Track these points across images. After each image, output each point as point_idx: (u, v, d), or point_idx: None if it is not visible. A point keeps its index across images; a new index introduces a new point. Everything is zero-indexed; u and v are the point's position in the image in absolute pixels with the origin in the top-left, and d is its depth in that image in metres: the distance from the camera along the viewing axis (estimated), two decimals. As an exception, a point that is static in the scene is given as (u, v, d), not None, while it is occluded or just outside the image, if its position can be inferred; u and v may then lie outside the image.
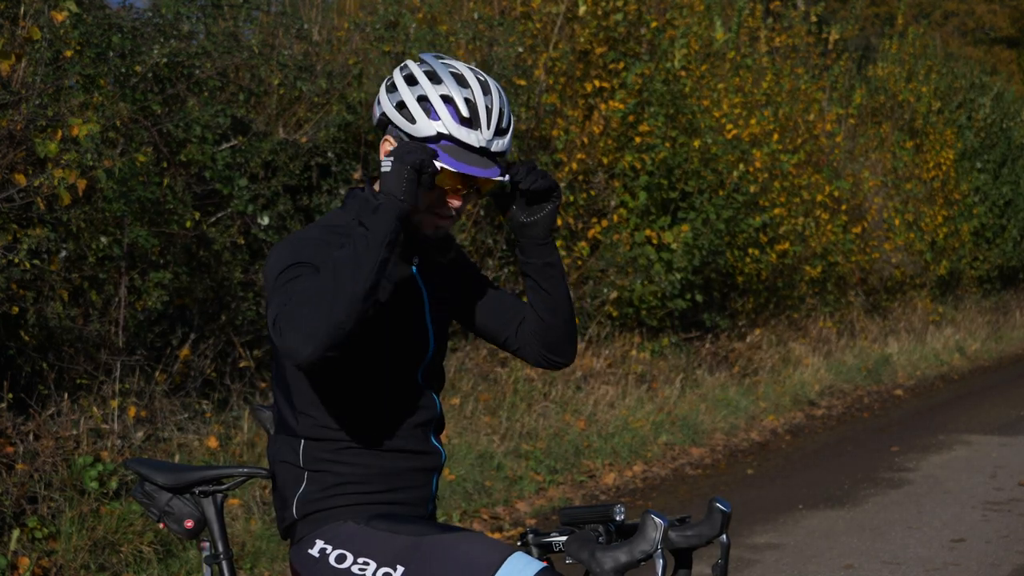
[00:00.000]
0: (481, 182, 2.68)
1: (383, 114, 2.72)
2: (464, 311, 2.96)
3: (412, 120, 2.66)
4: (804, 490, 8.17)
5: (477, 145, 2.64)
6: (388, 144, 2.72)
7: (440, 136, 2.64)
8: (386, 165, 2.56)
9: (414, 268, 2.82)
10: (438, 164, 2.62)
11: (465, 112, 2.64)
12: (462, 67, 2.71)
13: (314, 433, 2.74)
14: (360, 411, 2.74)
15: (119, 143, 6.65)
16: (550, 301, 2.86)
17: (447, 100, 2.65)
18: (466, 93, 2.66)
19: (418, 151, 2.56)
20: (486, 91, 2.68)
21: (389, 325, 2.72)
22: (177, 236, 6.98)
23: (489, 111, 2.66)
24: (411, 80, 2.68)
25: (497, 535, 6.79)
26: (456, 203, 2.71)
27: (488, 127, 2.65)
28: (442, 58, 2.75)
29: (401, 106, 2.67)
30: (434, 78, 2.67)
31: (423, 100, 2.66)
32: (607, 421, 9.21)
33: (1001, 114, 20.64)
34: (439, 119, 2.64)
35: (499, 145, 2.67)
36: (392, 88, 2.71)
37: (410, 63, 2.73)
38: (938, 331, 16.69)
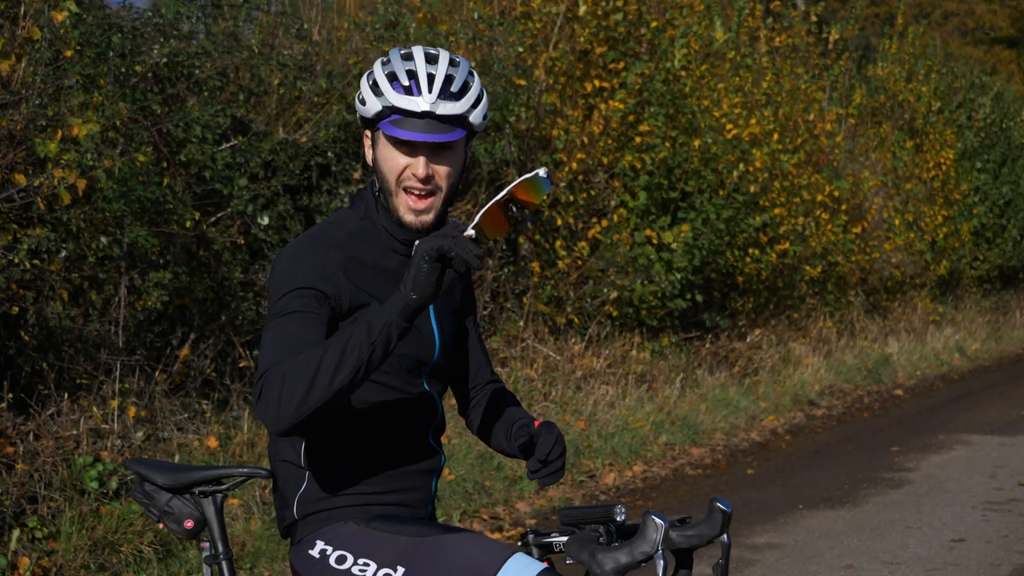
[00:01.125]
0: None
1: (358, 114, 2.79)
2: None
3: (364, 103, 2.72)
4: (804, 490, 8.17)
5: (419, 110, 2.66)
6: (367, 139, 2.79)
7: (387, 110, 2.68)
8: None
9: None
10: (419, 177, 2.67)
11: (406, 81, 2.67)
12: (419, 48, 2.74)
13: (315, 433, 2.74)
14: (362, 413, 2.73)
15: (119, 143, 6.64)
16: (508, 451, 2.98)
17: (391, 77, 2.69)
18: (408, 65, 2.70)
19: (438, 237, 2.45)
20: (431, 60, 2.70)
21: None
22: (177, 236, 6.98)
23: (431, 76, 2.67)
24: (369, 76, 2.75)
25: (497, 535, 6.79)
26: (420, 171, 2.68)
27: (430, 91, 2.66)
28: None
29: (362, 99, 2.74)
30: (386, 64, 2.73)
31: (374, 85, 2.71)
32: (607, 421, 9.21)
33: (1001, 114, 20.63)
34: (383, 94, 2.68)
35: (447, 108, 2.67)
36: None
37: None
38: (938, 331, 16.69)
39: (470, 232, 2.44)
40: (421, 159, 2.68)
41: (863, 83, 17.71)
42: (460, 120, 2.69)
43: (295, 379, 2.44)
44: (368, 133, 2.78)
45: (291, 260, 2.67)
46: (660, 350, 10.92)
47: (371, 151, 2.77)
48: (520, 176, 2.52)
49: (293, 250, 2.70)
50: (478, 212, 2.47)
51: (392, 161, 2.70)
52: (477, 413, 3.04)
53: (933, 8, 35.31)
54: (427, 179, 2.69)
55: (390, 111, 2.67)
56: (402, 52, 2.73)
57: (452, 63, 2.71)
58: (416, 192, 2.70)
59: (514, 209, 2.52)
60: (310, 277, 2.63)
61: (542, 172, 2.52)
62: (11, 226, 5.93)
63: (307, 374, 2.44)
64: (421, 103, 2.65)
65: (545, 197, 2.54)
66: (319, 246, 2.69)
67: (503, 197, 2.48)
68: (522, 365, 9.31)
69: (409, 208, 2.71)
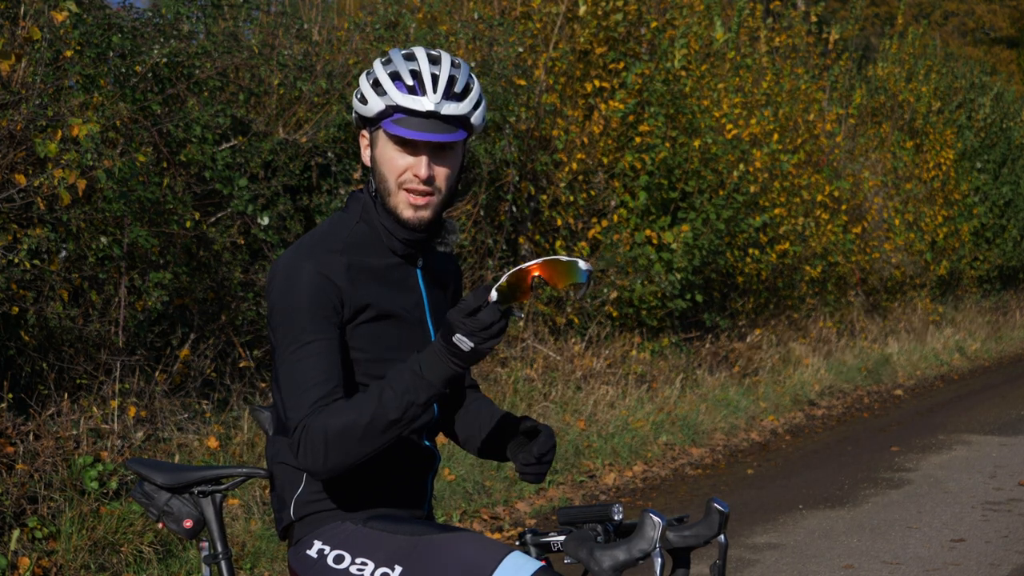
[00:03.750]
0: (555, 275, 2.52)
1: (353, 114, 2.79)
2: None
3: (364, 101, 2.71)
4: (804, 490, 8.17)
5: (423, 110, 2.66)
6: (364, 139, 2.79)
7: (390, 109, 2.68)
8: (440, 345, 2.52)
9: (418, 269, 2.81)
10: (420, 171, 2.67)
11: (410, 81, 2.68)
12: (420, 49, 2.75)
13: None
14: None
15: (119, 143, 6.65)
16: (494, 450, 2.96)
17: (394, 76, 2.70)
18: (411, 65, 2.70)
19: (460, 326, 2.49)
20: (434, 61, 2.71)
21: (390, 330, 2.72)
22: (177, 236, 6.98)
23: (436, 77, 2.68)
24: (369, 75, 2.75)
25: (497, 535, 6.79)
26: (422, 172, 2.69)
27: (435, 91, 2.67)
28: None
29: (362, 98, 2.73)
30: (387, 63, 2.73)
31: (376, 84, 2.71)
32: (607, 421, 9.21)
33: (1001, 114, 20.64)
34: (386, 93, 2.68)
35: (451, 108, 2.68)
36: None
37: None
38: (938, 331, 16.69)
39: (493, 295, 2.47)
40: (423, 159, 2.69)
41: (863, 83, 17.72)
42: (462, 121, 2.70)
43: (341, 443, 2.55)
44: (365, 133, 2.77)
45: (291, 274, 2.65)
46: (660, 350, 10.92)
47: (368, 151, 2.77)
48: (558, 255, 2.53)
49: (290, 262, 2.68)
50: (504, 274, 2.49)
51: (393, 161, 2.71)
52: (467, 415, 3.02)
53: (933, 8, 35.32)
54: (429, 180, 2.69)
55: (393, 110, 2.68)
56: (404, 52, 2.73)
57: (454, 64, 2.72)
58: (416, 191, 2.71)
59: (537, 279, 2.50)
60: (315, 294, 2.63)
61: (583, 264, 2.53)
62: (11, 226, 5.94)
63: (351, 442, 2.55)
64: (426, 103, 2.65)
65: (572, 286, 2.54)
66: (318, 254, 2.68)
67: (532, 265, 2.49)
68: (522, 365, 9.31)
69: (409, 204, 2.71)
